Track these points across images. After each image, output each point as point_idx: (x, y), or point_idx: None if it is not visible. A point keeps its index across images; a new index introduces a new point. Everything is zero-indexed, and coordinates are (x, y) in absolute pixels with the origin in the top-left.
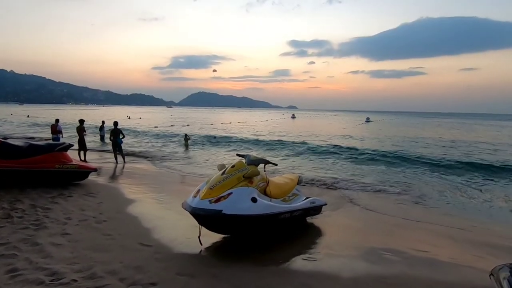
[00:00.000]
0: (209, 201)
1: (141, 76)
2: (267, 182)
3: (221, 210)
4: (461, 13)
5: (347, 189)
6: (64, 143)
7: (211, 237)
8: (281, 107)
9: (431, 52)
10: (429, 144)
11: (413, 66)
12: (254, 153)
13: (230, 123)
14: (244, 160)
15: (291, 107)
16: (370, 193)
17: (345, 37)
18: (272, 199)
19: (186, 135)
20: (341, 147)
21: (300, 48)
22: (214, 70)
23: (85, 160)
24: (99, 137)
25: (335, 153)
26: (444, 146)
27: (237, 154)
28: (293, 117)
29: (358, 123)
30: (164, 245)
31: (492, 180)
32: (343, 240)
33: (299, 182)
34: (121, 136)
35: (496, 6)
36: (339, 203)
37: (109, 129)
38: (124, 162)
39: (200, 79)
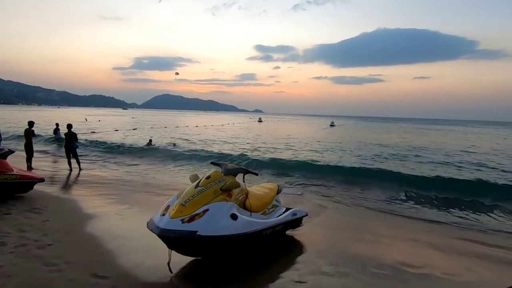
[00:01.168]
0: (181, 220)
1: (101, 76)
2: (246, 194)
3: (196, 231)
4: (415, 25)
5: (322, 195)
6: (2, 149)
7: (182, 260)
8: (247, 111)
9: (388, 60)
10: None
11: (373, 74)
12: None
13: (197, 126)
14: (220, 170)
15: (257, 111)
16: (344, 199)
17: (309, 43)
18: (252, 213)
19: (150, 140)
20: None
21: (266, 53)
22: (177, 73)
23: (30, 168)
24: (53, 141)
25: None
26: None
27: (212, 163)
28: (260, 120)
29: (323, 127)
30: (124, 275)
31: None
32: (328, 254)
33: (279, 191)
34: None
35: (446, 20)
36: (314, 211)
37: (64, 133)
38: (80, 169)
39: (165, 81)
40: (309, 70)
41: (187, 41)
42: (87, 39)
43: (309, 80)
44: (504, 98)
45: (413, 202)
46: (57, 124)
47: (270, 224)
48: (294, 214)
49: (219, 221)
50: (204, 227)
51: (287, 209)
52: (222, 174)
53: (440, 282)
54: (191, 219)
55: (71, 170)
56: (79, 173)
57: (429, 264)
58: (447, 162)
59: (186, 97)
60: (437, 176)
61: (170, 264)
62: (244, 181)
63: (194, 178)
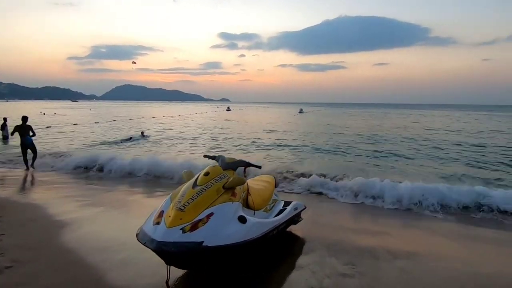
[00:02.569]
0: (182, 229)
1: (55, 67)
2: (247, 190)
3: (202, 242)
4: (373, 13)
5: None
6: None
7: (176, 273)
8: (214, 100)
9: (350, 47)
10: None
11: (335, 61)
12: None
13: (172, 116)
14: (217, 164)
15: (224, 100)
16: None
17: (273, 31)
18: (255, 212)
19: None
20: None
21: (230, 40)
22: (134, 62)
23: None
24: (1, 137)
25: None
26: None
27: (205, 156)
28: (229, 109)
29: (294, 114)
30: None
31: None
32: (339, 251)
33: (277, 185)
34: (31, 134)
35: (402, 8)
36: (306, 201)
37: (17, 125)
38: (33, 167)
39: (126, 71)
40: (274, 58)
41: (148, 28)
42: (36, 27)
43: (274, 68)
44: (456, 83)
45: None
46: (4, 119)
47: (277, 223)
48: (296, 209)
49: (227, 226)
50: (210, 235)
51: (286, 203)
52: (221, 168)
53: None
54: (194, 226)
55: (27, 168)
56: (32, 164)
57: (444, 252)
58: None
59: (149, 87)
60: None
61: (169, 282)
62: (245, 175)
63: (188, 175)
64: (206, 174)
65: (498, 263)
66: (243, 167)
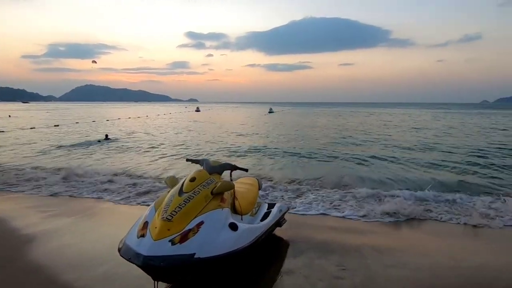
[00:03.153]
0: (170, 241)
1: (7, 66)
2: (234, 194)
3: (194, 254)
4: (338, 14)
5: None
6: None
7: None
8: (182, 101)
9: (316, 48)
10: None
11: (302, 61)
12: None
13: (129, 118)
14: (201, 168)
15: (192, 100)
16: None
17: (241, 31)
18: (243, 216)
19: (106, 135)
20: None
21: (197, 40)
22: (94, 61)
23: None
24: None
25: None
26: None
27: (188, 160)
28: (198, 110)
29: (263, 114)
30: None
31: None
32: (326, 251)
33: (260, 186)
34: None
35: (364, 10)
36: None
37: None
38: None
39: (87, 71)
40: (242, 58)
41: (111, 26)
42: None
43: (242, 67)
44: (414, 82)
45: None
46: None
47: (266, 227)
48: (280, 210)
49: (218, 235)
50: (202, 246)
51: (270, 205)
52: (207, 173)
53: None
54: (184, 237)
55: None
56: None
57: (429, 249)
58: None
59: (113, 87)
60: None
61: None
62: (231, 179)
63: (171, 181)
64: (192, 179)
65: (480, 257)
66: (230, 171)
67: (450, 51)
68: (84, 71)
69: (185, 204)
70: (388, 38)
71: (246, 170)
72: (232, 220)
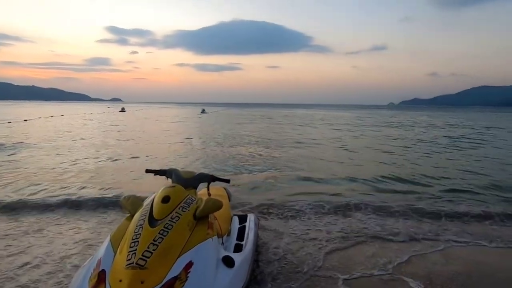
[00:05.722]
0: None
1: None
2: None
3: None
4: (265, 18)
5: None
6: None
7: None
8: (103, 100)
9: (245, 50)
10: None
11: (232, 62)
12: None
13: (40, 117)
14: (169, 180)
15: (116, 100)
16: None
17: (168, 29)
18: (223, 238)
19: None
20: None
21: (120, 35)
22: None
23: None
24: None
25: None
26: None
27: (148, 171)
28: (123, 110)
29: (196, 114)
30: None
31: None
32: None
33: (230, 197)
34: None
35: (289, 16)
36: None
37: None
38: None
39: None
40: (171, 57)
41: (13, 14)
42: None
43: (171, 66)
44: (334, 86)
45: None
46: None
47: (254, 249)
48: (256, 224)
49: (213, 278)
50: None
51: (240, 218)
52: (182, 188)
53: None
54: None
55: None
56: None
57: None
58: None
59: (17, 84)
60: None
61: None
62: (209, 193)
63: (133, 204)
64: (165, 200)
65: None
66: (207, 183)
67: (362, 58)
68: None
69: (163, 239)
70: (311, 44)
71: (228, 181)
72: (225, 252)
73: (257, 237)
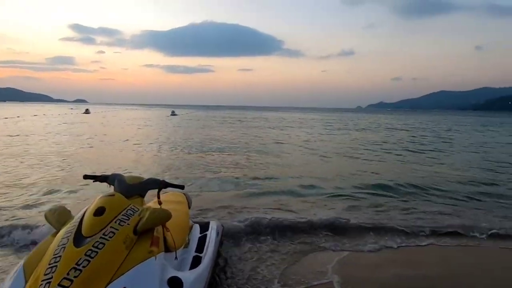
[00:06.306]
0: None
1: None
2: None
3: None
4: (237, 21)
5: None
6: None
7: None
8: (66, 101)
9: (216, 52)
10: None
11: (203, 64)
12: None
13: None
14: (111, 187)
15: (80, 101)
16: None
17: (136, 28)
18: (177, 250)
19: None
20: None
21: (86, 34)
22: None
23: None
24: None
25: None
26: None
27: (87, 177)
28: (87, 112)
29: (165, 116)
30: None
31: None
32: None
33: (190, 204)
34: None
35: (261, 19)
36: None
37: None
38: None
39: None
40: (140, 57)
41: None
42: None
43: (140, 67)
44: (305, 89)
45: None
46: None
47: (212, 263)
48: (218, 233)
49: None
50: None
51: (202, 227)
52: (124, 197)
53: None
54: None
55: None
56: None
57: None
58: None
59: None
60: None
61: None
62: (160, 201)
63: (60, 218)
64: (99, 212)
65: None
66: (158, 189)
67: (332, 63)
68: None
69: (89, 261)
70: (282, 48)
71: (182, 188)
72: (173, 272)
73: (218, 247)
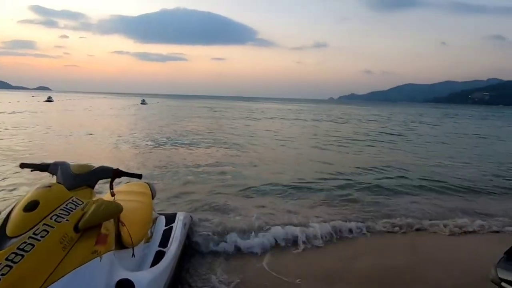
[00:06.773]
0: None
1: None
2: (118, 218)
3: None
4: (210, 9)
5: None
6: None
7: None
8: (27, 88)
9: (189, 40)
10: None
11: (175, 52)
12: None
13: None
14: (54, 178)
15: (42, 88)
16: None
17: (104, 12)
18: (134, 249)
19: None
20: None
21: (47, 17)
22: None
23: None
24: None
25: None
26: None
27: (24, 165)
28: (50, 100)
29: (134, 105)
30: None
31: None
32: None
33: (154, 194)
34: None
35: (235, 8)
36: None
37: None
38: None
39: None
40: (108, 43)
41: None
42: None
43: (108, 54)
44: (278, 80)
45: None
46: None
47: (175, 259)
48: (185, 224)
49: None
50: None
51: (168, 218)
52: (65, 188)
53: None
54: None
55: None
56: None
57: None
58: None
59: None
60: None
61: None
62: (113, 192)
63: None
64: (30, 206)
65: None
66: (111, 179)
67: (305, 54)
68: None
69: (10, 268)
70: (256, 38)
71: (140, 176)
72: (122, 274)
73: (184, 240)
